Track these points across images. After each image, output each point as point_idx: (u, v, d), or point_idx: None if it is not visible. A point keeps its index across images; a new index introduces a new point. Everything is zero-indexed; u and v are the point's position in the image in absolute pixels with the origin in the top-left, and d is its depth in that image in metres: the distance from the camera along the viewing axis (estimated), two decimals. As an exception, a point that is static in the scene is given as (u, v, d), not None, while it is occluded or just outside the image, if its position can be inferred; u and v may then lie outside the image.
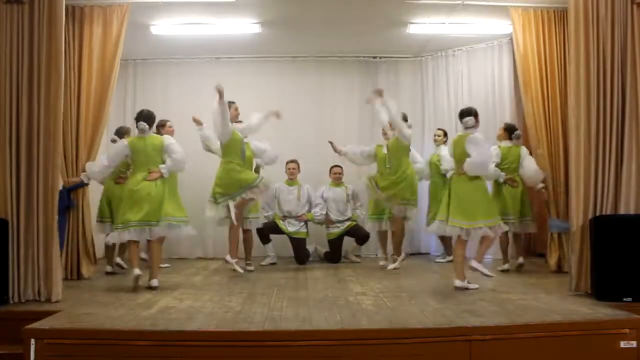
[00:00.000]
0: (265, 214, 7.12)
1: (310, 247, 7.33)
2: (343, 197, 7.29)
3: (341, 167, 7.35)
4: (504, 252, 6.33)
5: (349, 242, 7.34)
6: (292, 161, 7.30)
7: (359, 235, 7.20)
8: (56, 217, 4.70)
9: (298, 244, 7.11)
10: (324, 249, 7.40)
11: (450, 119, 7.80)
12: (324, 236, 7.32)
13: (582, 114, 4.79)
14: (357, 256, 7.34)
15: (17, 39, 4.65)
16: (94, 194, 6.20)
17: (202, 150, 6.53)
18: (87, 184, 5.80)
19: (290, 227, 7.12)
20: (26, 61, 4.64)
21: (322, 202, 7.26)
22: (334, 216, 7.24)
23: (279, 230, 7.09)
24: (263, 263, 6.97)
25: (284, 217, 7.14)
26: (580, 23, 4.83)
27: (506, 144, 6.29)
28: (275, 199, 7.20)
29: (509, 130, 6.34)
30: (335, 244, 7.24)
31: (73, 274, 5.70)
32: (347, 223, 7.23)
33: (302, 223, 7.18)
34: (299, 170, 7.29)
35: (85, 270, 5.75)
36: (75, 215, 5.75)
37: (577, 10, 4.85)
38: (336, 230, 7.22)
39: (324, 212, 7.22)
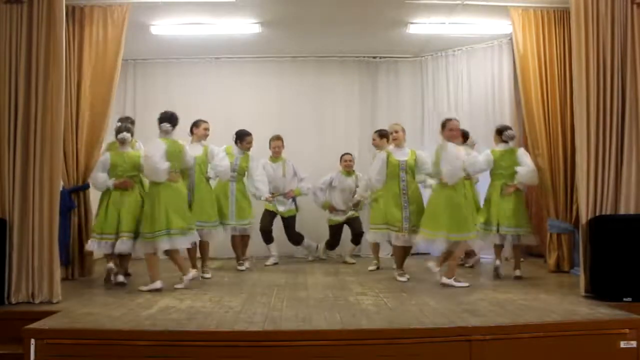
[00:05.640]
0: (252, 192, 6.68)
1: (312, 242, 7.31)
2: (352, 187, 7.13)
3: (352, 155, 7.24)
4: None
5: (347, 242, 7.29)
6: (277, 138, 7.11)
7: (355, 230, 7.11)
8: (57, 218, 4.69)
9: (290, 223, 7.07)
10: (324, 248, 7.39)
11: (450, 119, 7.80)
12: (325, 221, 7.24)
13: (583, 114, 4.79)
14: (354, 256, 7.29)
15: (16, 39, 4.64)
16: (95, 195, 6.19)
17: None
18: (88, 186, 5.81)
19: (281, 206, 7.02)
20: (25, 61, 4.63)
21: (308, 175, 7.12)
22: (337, 205, 7.14)
23: (273, 215, 7.00)
24: (267, 263, 6.93)
25: (272, 196, 6.83)
26: (581, 23, 4.84)
27: (501, 147, 5.90)
28: None
29: (499, 132, 5.97)
30: (335, 230, 7.19)
31: (75, 274, 5.73)
32: (350, 212, 7.12)
33: (291, 200, 7.09)
34: (283, 147, 7.12)
35: (87, 270, 5.83)
36: (78, 216, 5.77)
37: (578, 11, 4.85)
38: (338, 217, 7.15)
39: (310, 186, 7.12)
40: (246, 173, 6.58)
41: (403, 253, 5.79)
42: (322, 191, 7.20)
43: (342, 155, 7.29)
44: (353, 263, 7.07)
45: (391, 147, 5.85)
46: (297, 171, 7.17)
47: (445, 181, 5.28)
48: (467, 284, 5.28)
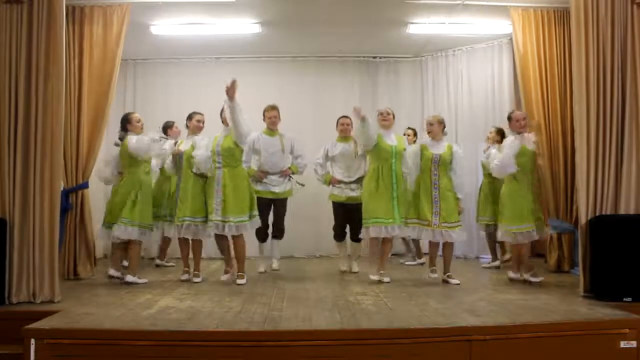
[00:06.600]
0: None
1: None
2: (352, 153, 6.18)
3: (350, 119, 6.28)
4: (492, 249, 6.47)
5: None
6: (272, 108, 6.23)
7: (356, 224, 5.95)
8: (58, 218, 4.69)
9: (282, 205, 6.25)
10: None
11: (449, 119, 7.80)
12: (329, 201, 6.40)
13: (583, 114, 4.80)
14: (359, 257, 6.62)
15: (16, 39, 4.64)
16: (94, 195, 6.21)
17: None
18: (86, 187, 5.82)
19: (275, 187, 6.18)
20: (25, 62, 4.63)
21: (304, 153, 6.34)
22: (340, 176, 6.23)
23: (268, 204, 6.14)
24: (266, 268, 6.37)
25: (263, 174, 6.14)
26: (581, 23, 4.84)
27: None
28: (250, 151, 6.10)
29: (502, 134, 6.15)
30: (337, 209, 6.28)
31: (71, 274, 5.75)
32: (355, 194, 6.06)
33: (287, 178, 6.28)
34: (279, 119, 6.30)
35: (84, 270, 5.81)
36: (77, 216, 5.78)
37: (578, 11, 4.85)
38: (342, 195, 6.18)
39: (305, 163, 6.33)
40: (243, 151, 5.62)
41: (436, 249, 5.73)
42: (321, 167, 6.31)
43: (339, 118, 6.45)
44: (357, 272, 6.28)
45: (427, 139, 5.65)
46: (294, 148, 6.33)
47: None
48: (541, 278, 5.34)
